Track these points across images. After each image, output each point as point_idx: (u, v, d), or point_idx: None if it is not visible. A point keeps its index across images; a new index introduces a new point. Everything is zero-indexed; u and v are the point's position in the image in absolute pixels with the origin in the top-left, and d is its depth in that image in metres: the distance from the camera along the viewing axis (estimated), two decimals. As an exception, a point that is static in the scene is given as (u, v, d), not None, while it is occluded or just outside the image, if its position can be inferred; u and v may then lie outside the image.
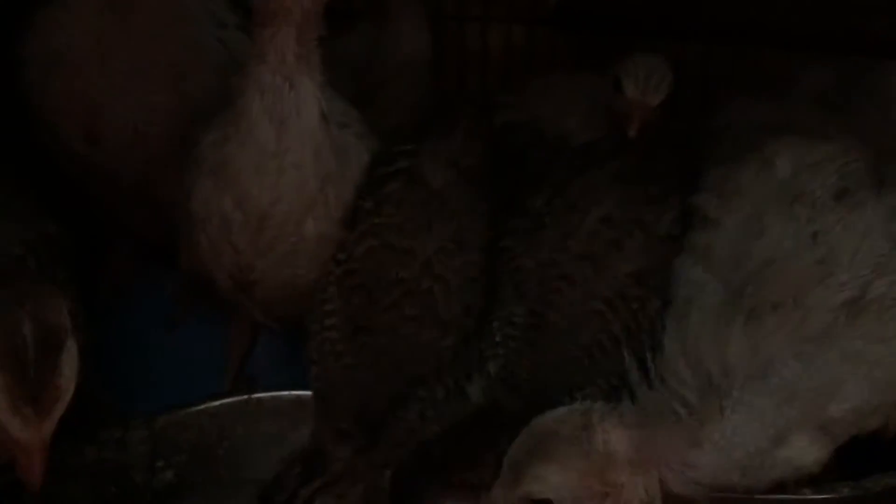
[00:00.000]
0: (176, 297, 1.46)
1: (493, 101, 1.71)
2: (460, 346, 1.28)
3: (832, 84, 1.59)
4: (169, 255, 1.45)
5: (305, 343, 1.30)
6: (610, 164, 1.38)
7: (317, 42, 1.25)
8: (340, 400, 1.24)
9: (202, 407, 1.38)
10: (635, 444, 1.07)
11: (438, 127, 1.48)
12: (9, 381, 1.00)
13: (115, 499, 1.30)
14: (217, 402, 1.39)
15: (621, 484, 1.06)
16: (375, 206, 1.35)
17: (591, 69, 1.86)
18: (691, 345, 1.14)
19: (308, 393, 1.30)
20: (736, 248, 1.19)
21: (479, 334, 1.28)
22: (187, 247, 1.36)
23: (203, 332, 1.57)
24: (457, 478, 1.16)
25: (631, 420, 1.09)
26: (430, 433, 1.23)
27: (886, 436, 1.18)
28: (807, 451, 1.11)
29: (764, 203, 1.23)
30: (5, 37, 1.43)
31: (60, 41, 1.36)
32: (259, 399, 1.39)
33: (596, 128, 1.54)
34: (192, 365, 1.55)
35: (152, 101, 1.39)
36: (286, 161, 1.25)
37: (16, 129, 1.47)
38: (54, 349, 1.04)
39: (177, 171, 1.33)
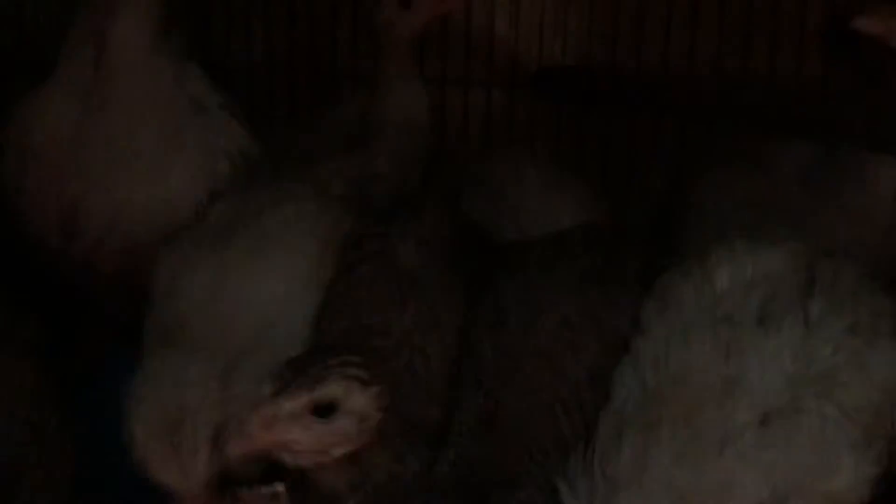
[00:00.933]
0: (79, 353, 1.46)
1: (462, 175, 1.73)
2: (445, 422, 1.26)
3: (812, 161, 1.60)
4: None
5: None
6: (578, 262, 1.37)
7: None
8: None
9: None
10: None
11: (406, 211, 1.48)
12: None
13: None
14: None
15: None
16: (347, 289, 1.34)
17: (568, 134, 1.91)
18: (598, 448, 1.15)
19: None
20: (658, 357, 1.20)
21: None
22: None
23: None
24: None
25: None
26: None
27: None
28: None
29: (695, 317, 1.23)
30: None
31: (37, 135, 1.37)
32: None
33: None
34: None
35: (131, 194, 1.38)
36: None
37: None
38: None
39: (150, 259, 1.33)
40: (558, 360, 1.25)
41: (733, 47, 1.91)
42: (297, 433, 1.14)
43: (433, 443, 1.25)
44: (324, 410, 1.14)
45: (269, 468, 1.20)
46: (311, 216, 1.38)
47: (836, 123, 1.51)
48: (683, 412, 1.12)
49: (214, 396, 1.21)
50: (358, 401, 1.16)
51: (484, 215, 1.62)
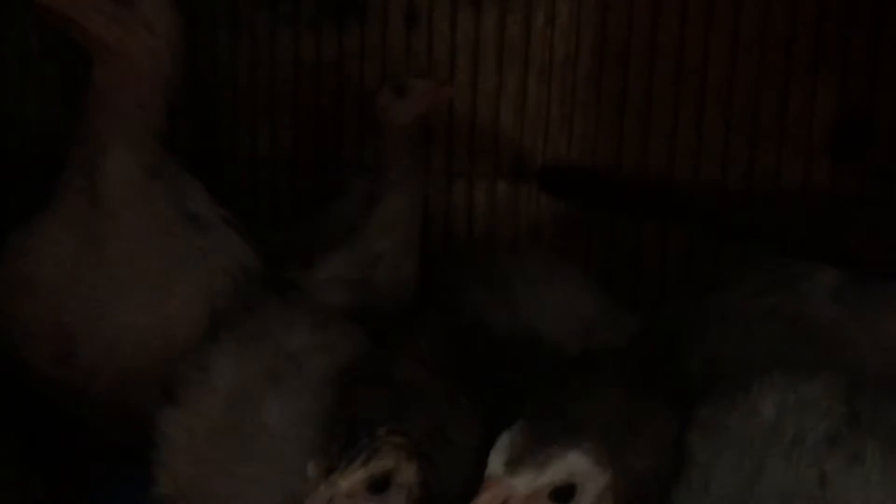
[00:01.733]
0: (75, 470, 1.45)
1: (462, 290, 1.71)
2: None
3: (841, 283, 1.55)
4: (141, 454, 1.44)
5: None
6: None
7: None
8: None
9: None
10: None
11: (404, 331, 1.47)
12: None
13: None
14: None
15: None
16: (345, 404, 1.28)
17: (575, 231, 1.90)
18: None
19: None
20: (735, 490, 1.19)
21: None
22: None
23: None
24: None
25: None
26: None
27: None
28: None
29: (755, 445, 1.22)
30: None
31: (31, 266, 1.35)
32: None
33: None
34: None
35: (128, 320, 1.37)
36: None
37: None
38: None
39: (147, 386, 1.32)
40: None
41: (738, 153, 1.90)
42: None
43: None
44: (379, 485, 1.11)
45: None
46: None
47: (845, 240, 1.49)
48: None
49: None
50: (407, 472, 1.13)
51: (491, 312, 1.61)
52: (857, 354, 1.47)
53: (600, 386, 1.30)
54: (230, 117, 2.00)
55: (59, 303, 1.35)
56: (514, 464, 1.04)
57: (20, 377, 1.42)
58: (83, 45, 1.30)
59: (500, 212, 2.05)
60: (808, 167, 1.87)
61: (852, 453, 1.17)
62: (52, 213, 1.37)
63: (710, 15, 1.88)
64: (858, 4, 1.83)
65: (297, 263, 1.67)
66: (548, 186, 1.99)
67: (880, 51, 1.83)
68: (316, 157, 2.01)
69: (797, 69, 1.88)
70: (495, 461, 1.04)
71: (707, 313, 1.62)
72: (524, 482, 1.03)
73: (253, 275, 1.49)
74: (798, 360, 1.36)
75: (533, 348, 1.53)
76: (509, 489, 1.03)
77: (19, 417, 1.41)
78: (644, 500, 1.19)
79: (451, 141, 2.00)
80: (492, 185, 2.04)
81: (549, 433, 1.07)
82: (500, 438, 1.06)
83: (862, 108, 1.85)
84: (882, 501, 1.14)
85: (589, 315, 1.62)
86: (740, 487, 1.18)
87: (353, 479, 1.08)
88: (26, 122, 1.90)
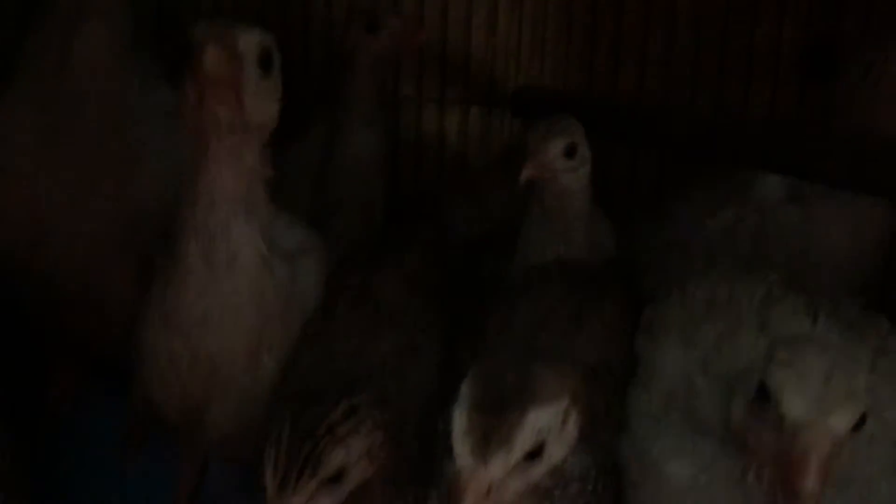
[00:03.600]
0: (126, 434, 1.46)
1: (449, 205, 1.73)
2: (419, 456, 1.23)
3: (784, 187, 1.61)
4: (115, 382, 1.43)
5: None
6: (553, 288, 1.39)
7: (263, 181, 1.22)
8: None
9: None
10: None
11: (394, 249, 1.48)
12: None
13: None
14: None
15: None
16: (323, 317, 1.34)
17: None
18: None
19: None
20: (680, 375, 1.22)
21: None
22: (139, 377, 1.33)
23: (154, 466, 1.57)
24: None
25: None
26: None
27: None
28: None
29: (694, 323, 1.26)
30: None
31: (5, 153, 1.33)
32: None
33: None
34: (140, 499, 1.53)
35: (96, 207, 1.35)
36: (226, 307, 1.23)
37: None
38: None
39: (117, 275, 1.33)
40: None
41: (707, 78, 1.92)
42: None
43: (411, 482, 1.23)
44: (335, 477, 1.12)
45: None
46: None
47: (809, 158, 1.52)
48: None
49: None
50: (359, 449, 1.14)
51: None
52: (815, 247, 1.52)
53: (549, 292, 1.36)
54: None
55: (27, 186, 1.33)
56: (482, 449, 1.02)
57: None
58: None
59: (473, 138, 2.06)
60: (775, 92, 1.90)
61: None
62: (18, 91, 1.35)
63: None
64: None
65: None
66: (520, 111, 2.00)
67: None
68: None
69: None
70: (462, 451, 1.03)
71: (661, 243, 1.67)
72: (498, 467, 1.03)
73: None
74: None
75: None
76: (486, 478, 1.03)
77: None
78: (605, 392, 1.22)
79: (421, 67, 1.99)
80: (464, 111, 2.04)
81: (503, 394, 1.06)
82: (456, 417, 1.05)
83: (828, 33, 1.88)
84: None
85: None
86: (685, 369, 1.21)
87: (306, 493, 1.09)
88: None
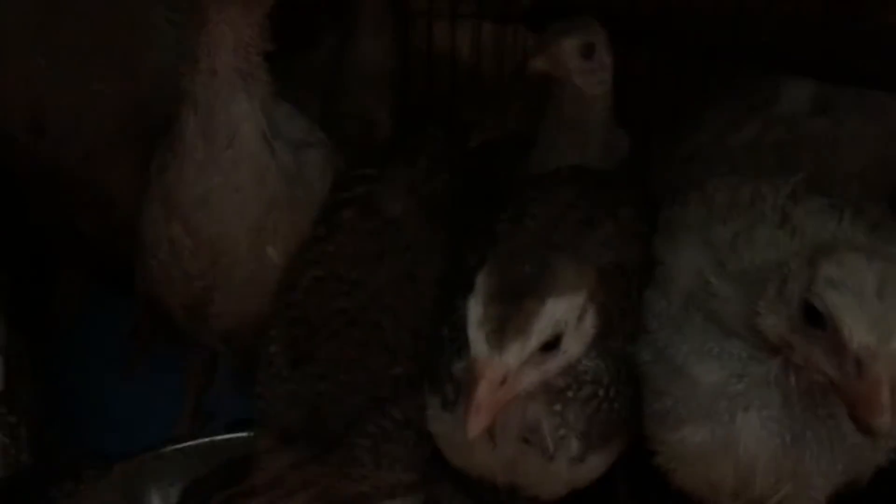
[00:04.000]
0: (131, 337, 1.43)
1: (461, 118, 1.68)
2: (415, 376, 1.24)
3: (811, 100, 1.55)
4: (120, 287, 1.40)
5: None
6: (566, 190, 1.35)
7: (261, 54, 1.20)
8: (288, 414, 1.22)
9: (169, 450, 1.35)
10: None
11: (402, 152, 1.44)
12: None
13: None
14: (182, 445, 1.36)
15: None
16: (327, 234, 1.32)
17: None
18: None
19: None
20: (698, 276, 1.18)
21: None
22: (141, 270, 1.31)
23: (159, 369, 1.54)
24: None
25: None
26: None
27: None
28: None
29: (712, 224, 1.22)
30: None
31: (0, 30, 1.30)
32: (227, 440, 1.36)
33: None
34: (146, 403, 1.51)
35: (97, 89, 1.33)
36: (226, 186, 1.21)
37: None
38: None
39: (120, 163, 1.31)
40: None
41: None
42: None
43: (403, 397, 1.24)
44: None
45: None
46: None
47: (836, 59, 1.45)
48: None
49: None
50: None
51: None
52: (842, 159, 1.46)
53: (562, 194, 1.32)
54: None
55: (29, 66, 1.31)
56: (498, 338, 1.00)
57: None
58: None
59: (486, 54, 1.99)
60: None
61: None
62: None
63: None
64: None
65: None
66: (536, 25, 1.92)
67: None
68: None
69: None
70: (478, 340, 1.00)
71: (682, 157, 1.60)
72: (514, 355, 1.00)
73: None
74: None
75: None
76: (502, 367, 1.00)
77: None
78: (619, 295, 1.18)
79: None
80: (476, 26, 1.97)
81: (520, 284, 1.03)
82: (471, 307, 1.02)
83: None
84: None
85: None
86: (703, 270, 1.17)
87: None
88: None
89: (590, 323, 1.07)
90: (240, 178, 1.21)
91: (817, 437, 1.08)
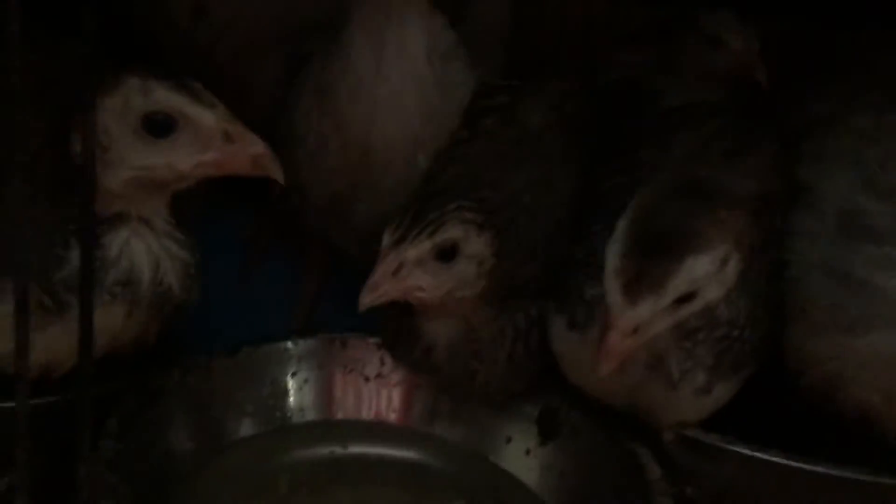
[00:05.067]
0: (250, 243, 1.43)
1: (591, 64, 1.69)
2: (543, 282, 1.25)
3: None
4: (241, 193, 1.41)
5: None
6: (709, 122, 1.36)
7: None
8: None
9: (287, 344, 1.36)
10: None
11: (544, 71, 1.48)
12: None
13: (198, 427, 1.29)
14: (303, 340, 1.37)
15: None
16: (469, 137, 1.33)
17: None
18: None
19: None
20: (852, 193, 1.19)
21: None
22: (286, 160, 1.32)
23: (274, 273, 1.54)
24: None
25: None
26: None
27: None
28: None
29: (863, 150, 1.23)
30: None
31: None
32: (345, 340, 1.37)
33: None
34: (260, 303, 1.52)
35: None
36: (386, 94, 1.22)
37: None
38: None
39: (268, 56, 1.33)
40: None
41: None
42: (422, 279, 1.13)
43: (530, 298, 1.24)
44: (446, 255, 1.14)
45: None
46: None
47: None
48: None
49: None
50: (476, 244, 1.15)
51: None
52: None
53: (705, 126, 1.33)
54: None
55: None
56: (633, 290, 1.02)
57: (152, 39, 1.42)
58: None
59: (594, 28, 1.99)
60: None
61: None
62: None
63: None
64: None
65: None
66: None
67: None
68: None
69: None
70: (613, 289, 1.03)
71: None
72: (647, 309, 1.02)
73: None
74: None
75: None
76: (634, 318, 1.02)
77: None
78: (763, 228, 1.18)
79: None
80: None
81: (661, 236, 1.05)
82: (609, 254, 1.04)
83: None
84: None
85: None
86: (856, 191, 1.18)
87: (420, 248, 1.12)
88: None
89: (733, 268, 1.08)
90: (406, 93, 1.23)
91: None
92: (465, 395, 1.30)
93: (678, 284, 1.02)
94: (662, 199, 1.10)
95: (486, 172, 1.29)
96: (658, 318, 1.03)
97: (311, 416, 1.35)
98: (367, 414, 1.37)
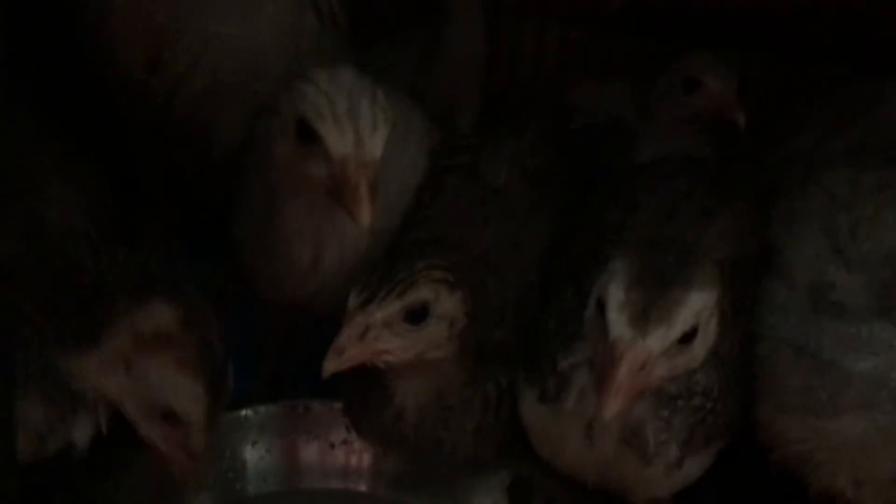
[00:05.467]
0: (218, 290, 1.38)
1: (567, 101, 1.65)
2: (513, 347, 1.21)
3: None
4: (212, 238, 1.38)
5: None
6: (679, 181, 1.32)
7: None
8: None
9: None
10: None
11: (508, 124, 1.43)
12: None
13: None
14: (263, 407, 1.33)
15: None
16: (431, 199, 1.30)
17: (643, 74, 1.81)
18: None
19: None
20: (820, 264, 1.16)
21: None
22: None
23: (237, 330, 1.49)
24: None
25: None
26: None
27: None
28: None
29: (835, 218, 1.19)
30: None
31: None
32: (308, 406, 1.33)
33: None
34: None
35: (218, 31, 1.31)
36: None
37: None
38: None
39: (232, 111, 1.30)
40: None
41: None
42: (391, 341, 1.08)
43: (500, 365, 1.21)
44: (415, 316, 1.09)
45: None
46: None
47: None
48: None
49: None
50: (447, 304, 1.10)
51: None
52: None
53: (676, 184, 1.30)
54: None
55: (152, 5, 1.28)
56: (641, 322, 1.00)
57: (107, 93, 1.39)
58: None
59: (570, 58, 1.95)
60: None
61: None
62: None
63: None
64: None
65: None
66: (626, 23, 1.89)
67: None
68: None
69: None
70: (619, 323, 1.00)
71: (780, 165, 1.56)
72: (657, 341, 1.00)
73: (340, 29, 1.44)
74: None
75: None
76: (644, 351, 0.99)
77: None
78: (734, 293, 1.14)
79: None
80: (564, 29, 1.94)
81: (663, 272, 1.03)
82: (611, 290, 1.01)
83: None
84: None
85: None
86: (826, 260, 1.15)
87: (388, 309, 1.07)
88: None
89: (713, 325, 1.05)
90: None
91: None
92: (432, 466, 1.25)
93: (686, 317, 1.00)
94: (657, 242, 1.11)
95: (451, 232, 1.25)
96: (662, 359, 1.01)
97: (273, 486, 1.30)
98: (334, 483, 1.33)
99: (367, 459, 1.33)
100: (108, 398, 1.09)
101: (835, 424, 1.07)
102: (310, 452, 1.33)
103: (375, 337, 1.07)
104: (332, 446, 1.33)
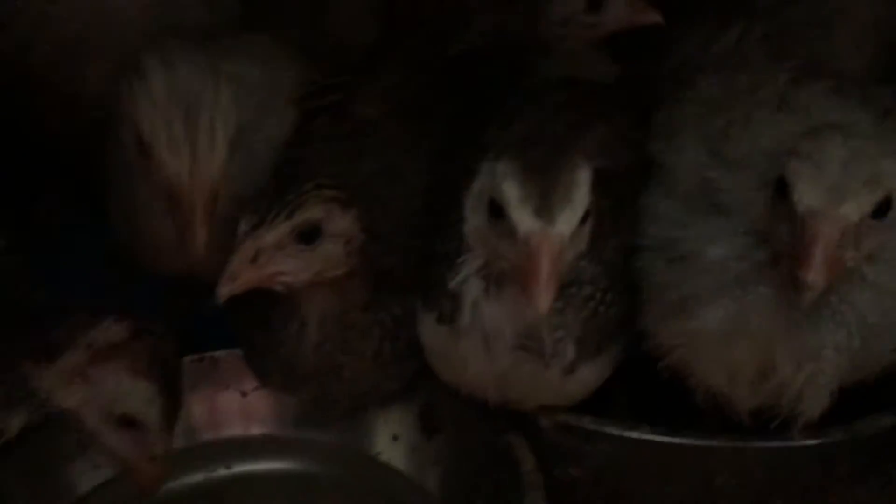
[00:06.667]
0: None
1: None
2: (406, 275, 1.22)
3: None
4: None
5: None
6: (557, 95, 1.32)
7: None
8: None
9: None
10: None
11: (376, 60, 1.42)
12: None
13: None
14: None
15: None
16: (301, 141, 1.29)
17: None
18: None
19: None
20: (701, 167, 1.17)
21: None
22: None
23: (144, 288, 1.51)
24: None
25: None
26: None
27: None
28: None
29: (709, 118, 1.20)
30: None
31: None
32: (215, 358, 1.35)
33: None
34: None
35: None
36: None
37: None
38: None
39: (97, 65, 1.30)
40: None
41: None
42: (284, 263, 1.09)
43: (395, 294, 1.22)
44: (307, 236, 1.09)
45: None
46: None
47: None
48: None
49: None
50: (341, 222, 1.11)
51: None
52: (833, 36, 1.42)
53: (553, 98, 1.31)
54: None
55: None
56: (547, 210, 1.00)
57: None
58: None
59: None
60: None
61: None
62: None
63: None
64: None
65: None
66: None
67: None
68: None
69: None
70: (525, 216, 1.00)
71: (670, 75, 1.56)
72: (565, 224, 1.00)
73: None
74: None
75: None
76: (557, 238, 1.00)
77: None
78: (612, 198, 1.16)
79: None
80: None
81: (545, 160, 1.04)
82: (506, 188, 1.02)
83: None
84: None
85: None
86: (705, 164, 1.16)
87: (277, 231, 1.07)
88: None
89: (588, 221, 1.05)
90: None
91: (835, 316, 1.06)
92: (335, 403, 1.27)
93: (581, 197, 1.02)
94: (530, 139, 1.13)
95: (322, 169, 1.24)
96: (571, 242, 1.02)
97: (189, 440, 1.33)
98: (253, 429, 1.35)
99: (282, 403, 1.34)
100: (67, 410, 1.13)
101: (699, 320, 1.08)
102: (222, 403, 1.34)
103: (267, 260, 1.08)
104: (244, 394, 1.34)
